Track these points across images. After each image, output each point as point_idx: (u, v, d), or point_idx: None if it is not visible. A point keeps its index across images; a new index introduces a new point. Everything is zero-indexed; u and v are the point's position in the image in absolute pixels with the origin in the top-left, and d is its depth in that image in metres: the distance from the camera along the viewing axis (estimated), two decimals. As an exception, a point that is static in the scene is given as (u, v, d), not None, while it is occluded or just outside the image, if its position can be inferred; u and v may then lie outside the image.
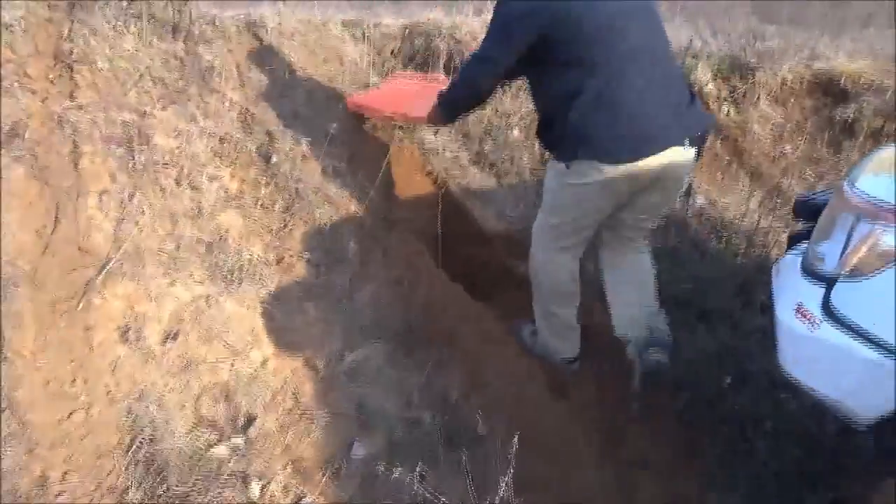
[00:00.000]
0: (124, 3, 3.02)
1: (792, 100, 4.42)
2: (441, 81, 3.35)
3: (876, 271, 1.51)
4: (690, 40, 4.68)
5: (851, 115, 4.21)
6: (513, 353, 2.63)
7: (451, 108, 2.65)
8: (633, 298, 2.70)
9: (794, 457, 2.48)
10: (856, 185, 1.68)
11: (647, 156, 2.18)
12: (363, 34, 4.29)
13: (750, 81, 4.37)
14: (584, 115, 2.18)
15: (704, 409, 2.68)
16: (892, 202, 1.50)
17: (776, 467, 2.43)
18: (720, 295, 3.30)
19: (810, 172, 4.14)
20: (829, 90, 4.38)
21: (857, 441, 2.57)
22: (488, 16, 3.95)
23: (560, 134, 2.27)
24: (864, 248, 1.55)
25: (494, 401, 2.34)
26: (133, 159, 2.48)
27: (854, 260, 1.57)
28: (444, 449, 2.05)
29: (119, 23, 2.94)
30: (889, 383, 1.45)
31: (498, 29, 2.30)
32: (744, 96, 4.37)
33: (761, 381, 2.77)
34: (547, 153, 2.61)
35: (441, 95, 2.63)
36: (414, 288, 2.64)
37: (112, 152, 2.48)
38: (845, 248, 1.62)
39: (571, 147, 2.23)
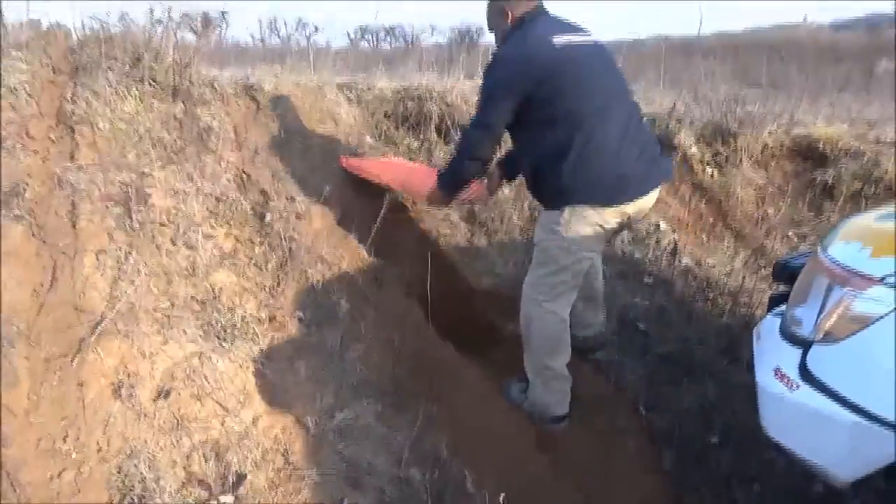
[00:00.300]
0: (126, 68, 3.13)
1: (773, 163, 4.58)
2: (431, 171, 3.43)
3: (848, 335, 1.56)
4: (674, 105, 4.86)
5: (831, 179, 4.36)
6: (501, 409, 2.65)
7: (453, 182, 2.79)
8: (591, 314, 3.07)
9: (782, 517, 2.49)
10: (828, 251, 1.75)
11: (635, 199, 2.49)
12: (357, 97, 4.43)
13: (732, 146, 4.53)
14: (577, 165, 2.40)
15: (691, 466, 2.70)
16: (861, 269, 1.57)
17: (763, 527, 2.44)
18: (707, 353, 3.35)
19: (793, 233, 4.26)
20: (809, 154, 4.55)
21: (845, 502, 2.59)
22: (479, 80, 4.11)
23: (555, 184, 2.46)
24: (836, 313, 1.61)
25: (483, 458, 2.36)
26: (130, 218, 2.53)
27: (828, 324, 1.63)
28: (432, 507, 2.06)
29: (121, 86, 3.03)
30: (865, 445, 1.49)
31: (489, 97, 2.50)
32: (727, 160, 4.53)
33: (747, 438, 2.79)
34: (538, 207, 2.75)
35: (441, 173, 2.82)
36: (404, 346, 2.68)
37: (110, 211, 2.53)
38: (820, 312, 1.68)
39: (569, 194, 2.44)
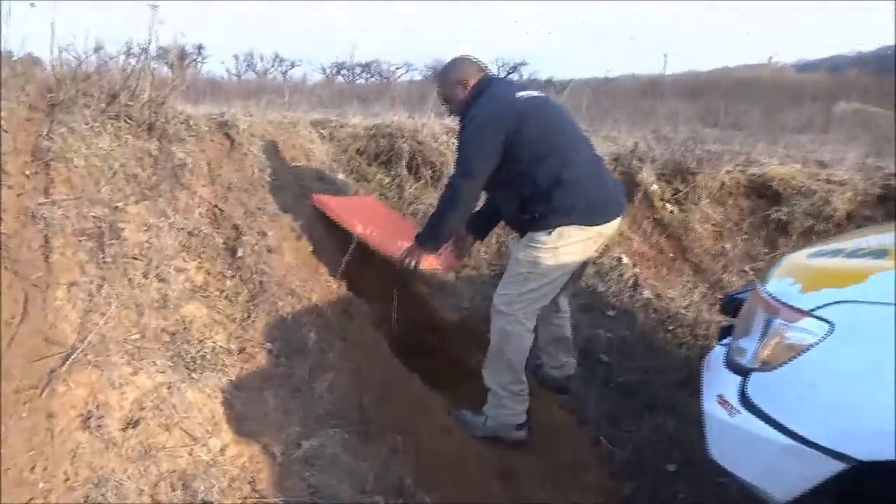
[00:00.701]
0: (103, 105, 3.21)
1: (730, 201, 4.78)
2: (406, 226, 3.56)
3: (782, 364, 1.68)
4: (636, 144, 5.05)
5: (784, 216, 4.55)
6: (465, 441, 2.73)
7: (436, 234, 2.96)
8: (563, 355, 3.25)
9: (736, 542, 2.57)
10: (766, 286, 1.88)
11: (612, 220, 2.86)
12: (330, 134, 4.55)
13: (691, 183, 4.72)
14: (569, 190, 2.73)
15: (650, 495, 2.78)
16: (793, 302, 1.70)
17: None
18: (666, 385, 3.46)
19: (749, 268, 4.43)
20: (764, 192, 4.75)
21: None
22: (449, 119, 4.24)
23: (547, 210, 2.74)
24: (772, 343, 1.73)
25: (446, 488, 2.42)
26: (103, 252, 2.59)
27: (764, 353, 1.75)
28: (395, 534, 2.11)
29: (96, 123, 3.10)
30: (796, 466, 1.59)
31: (473, 148, 2.78)
32: (686, 197, 4.71)
33: (705, 467, 2.88)
34: (506, 242, 3.04)
35: (424, 231, 2.99)
36: (371, 377, 2.75)
37: (83, 245, 2.59)
38: (759, 342, 1.80)
39: (562, 216, 2.73)
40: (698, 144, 4.96)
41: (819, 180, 4.64)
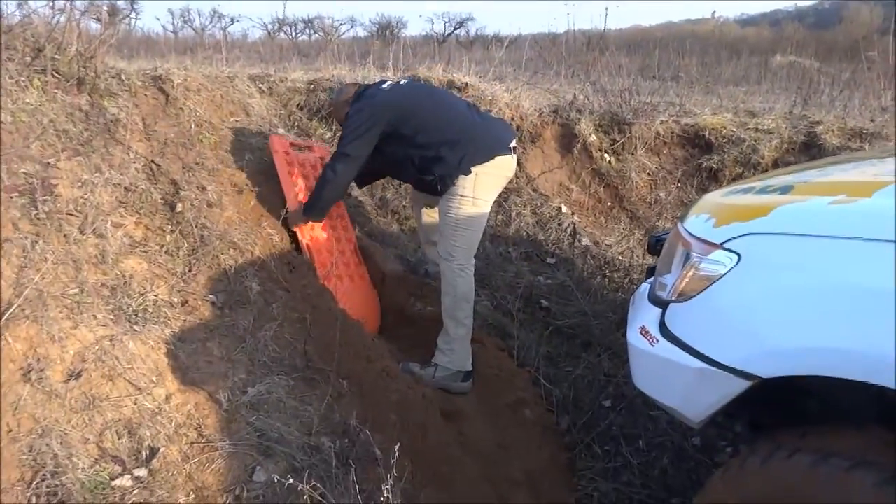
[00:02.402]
0: (28, 59, 3.11)
1: (665, 150, 4.92)
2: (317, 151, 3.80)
3: (696, 294, 1.80)
4: (575, 96, 5.13)
5: (716, 164, 4.72)
6: (408, 384, 2.81)
7: (320, 209, 3.30)
8: (434, 252, 3.52)
9: (662, 468, 2.76)
10: (684, 223, 1.99)
11: (505, 147, 3.16)
12: (270, 88, 4.50)
13: (628, 134, 4.83)
14: (461, 145, 3.06)
15: (585, 428, 2.94)
16: (707, 237, 1.81)
17: (645, 479, 2.70)
18: (603, 327, 3.61)
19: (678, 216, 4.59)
20: (697, 142, 4.90)
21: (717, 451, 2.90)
22: (391, 73, 4.26)
23: (450, 165, 3.06)
24: (687, 276, 1.84)
25: (390, 427, 2.52)
26: (36, 208, 2.55)
27: (681, 285, 1.86)
28: (340, 470, 2.20)
29: (22, 77, 3.01)
30: (708, 388, 1.72)
31: (354, 136, 3.09)
32: (623, 147, 4.83)
33: (636, 402, 3.07)
34: (439, 193, 3.15)
35: (308, 203, 3.29)
36: (315, 325, 2.80)
37: (14, 202, 2.54)
38: (678, 276, 1.92)
39: (466, 164, 3.05)
40: (635, 96, 5.06)
41: (748, 129, 4.81)
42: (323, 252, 3.32)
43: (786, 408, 1.88)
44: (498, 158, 3.11)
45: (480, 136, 3.13)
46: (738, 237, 1.71)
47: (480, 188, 3.09)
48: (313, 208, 3.28)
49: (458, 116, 3.17)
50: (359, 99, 3.22)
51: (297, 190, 3.44)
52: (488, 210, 3.21)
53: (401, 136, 3.12)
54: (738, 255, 1.69)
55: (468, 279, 3.13)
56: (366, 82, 3.53)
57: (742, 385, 1.65)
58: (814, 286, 1.52)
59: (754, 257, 1.66)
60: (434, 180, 3.12)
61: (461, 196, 3.07)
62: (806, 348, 1.52)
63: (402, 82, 3.38)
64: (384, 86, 3.26)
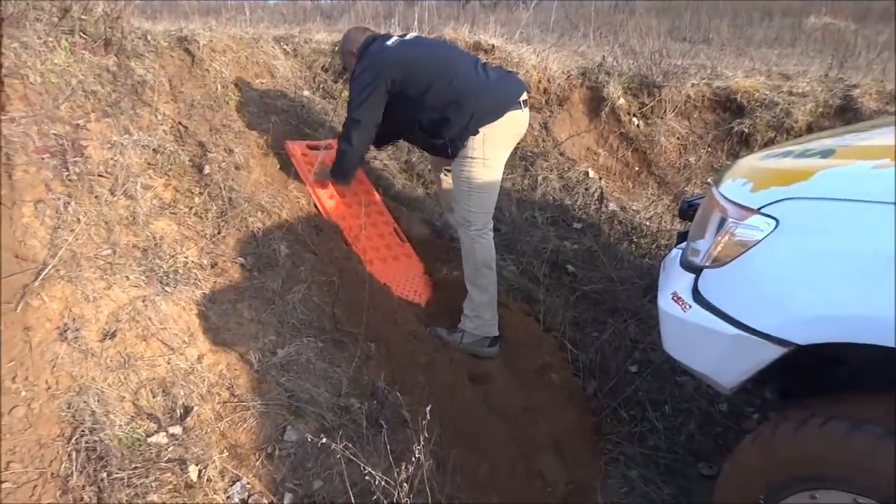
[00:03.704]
0: (55, 20, 3.10)
1: (695, 114, 4.82)
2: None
3: (732, 259, 1.77)
4: (603, 58, 5.03)
5: (747, 128, 4.62)
6: (435, 347, 2.83)
7: (345, 175, 3.29)
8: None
9: (689, 433, 2.76)
10: (719, 188, 1.95)
11: (515, 101, 3.04)
12: (294, 50, 4.46)
13: (657, 97, 4.74)
14: (469, 104, 2.96)
15: (611, 393, 2.94)
16: (743, 201, 1.77)
17: (672, 444, 2.70)
18: (630, 292, 3.58)
19: (711, 180, 4.51)
20: (728, 105, 4.80)
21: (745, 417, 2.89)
22: (415, 33, 4.22)
23: (460, 125, 2.97)
24: (723, 241, 1.81)
25: (418, 389, 2.54)
26: (67, 170, 2.57)
27: (716, 251, 1.83)
28: (369, 430, 2.23)
29: (50, 38, 3.01)
30: (742, 354, 1.71)
31: (360, 99, 3.04)
32: (652, 111, 4.74)
33: (663, 367, 3.06)
34: (451, 155, 3.09)
35: (333, 171, 3.27)
36: (343, 288, 2.81)
37: (46, 163, 2.56)
38: (712, 241, 1.88)
39: (474, 124, 2.96)
40: (665, 58, 4.95)
41: (782, 92, 4.68)
42: (347, 217, 3.30)
43: (816, 374, 1.86)
44: (507, 115, 3.01)
45: (489, 94, 3.03)
46: (776, 202, 1.68)
47: (490, 148, 3.01)
48: (336, 175, 3.26)
49: (465, 75, 3.06)
50: (363, 55, 3.13)
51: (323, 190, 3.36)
52: (501, 170, 3.14)
53: (407, 97, 3.05)
54: (777, 220, 1.66)
55: (487, 244, 3.09)
56: (373, 32, 3.38)
57: (777, 352, 1.63)
58: (855, 252, 1.49)
59: (794, 223, 1.62)
60: (444, 143, 3.05)
61: (471, 158, 3.00)
62: (846, 316, 1.49)
63: (408, 37, 3.27)
64: (389, 42, 3.15)
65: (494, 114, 2.99)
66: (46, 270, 2.22)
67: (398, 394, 2.39)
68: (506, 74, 3.30)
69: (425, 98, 3.02)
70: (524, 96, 3.11)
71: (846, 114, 4.52)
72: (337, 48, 4.19)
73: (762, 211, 1.70)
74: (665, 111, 4.72)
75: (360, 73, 3.06)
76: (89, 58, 3.10)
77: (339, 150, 3.19)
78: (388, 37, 3.23)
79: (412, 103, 3.05)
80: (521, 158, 4.43)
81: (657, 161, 4.64)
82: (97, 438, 1.92)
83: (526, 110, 3.13)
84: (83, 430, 1.93)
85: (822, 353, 1.58)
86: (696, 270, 1.91)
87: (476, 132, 2.97)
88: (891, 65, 5.77)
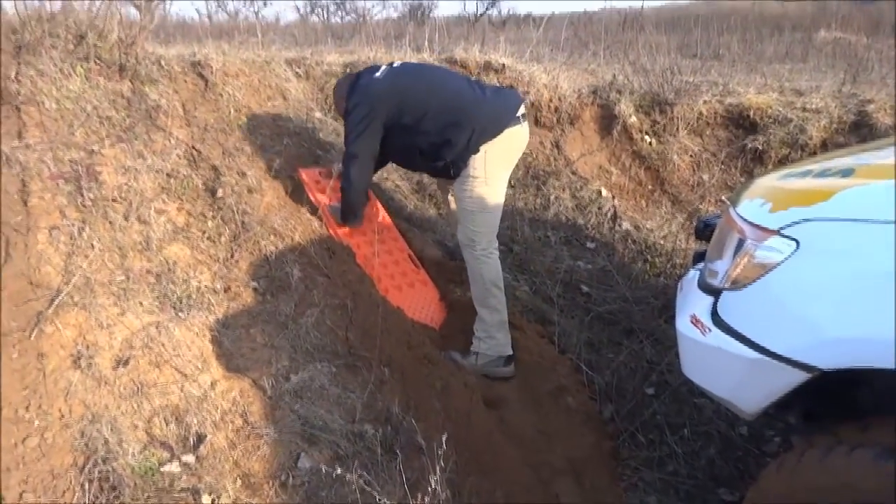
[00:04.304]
0: (71, 47, 3.13)
1: (708, 131, 4.80)
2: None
3: (752, 282, 1.74)
4: (614, 76, 5.02)
5: (761, 145, 4.59)
6: (450, 371, 2.80)
7: (353, 214, 3.23)
8: None
9: (709, 458, 2.71)
10: (737, 208, 1.92)
11: (513, 117, 3.01)
12: (306, 72, 4.48)
13: (669, 115, 4.72)
14: (466, 126, 2.94)
15: (628, 416, 2.89)
16: (762, 222, 1.74)
17: (691, 469, 2.65)
18: (645, 313, 3.54)
19: (725, 197, 4.47)
20: (741, 122, 4.77)
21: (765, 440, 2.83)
22: (427, 54, 4.21)
23: (459, 146, 2.95)
24: (742, 263, 1.78)
25: (433, 414, 2.51)
26: (82, 196, 2.58)
27: (735, 273, 1.80)
28: (384, 457, 2.20)
29: (65, 65, 3.04)
30: (764, 379, 1.67)
31: (355, 134, 3.01)
32: (664, 129, 4.72)
33: (681, 390, 3.01)
34: (452, 177, 3.09)
35: (342, 213, 3.22)
36: (356, 312, 2.80)
37: (61, 189, 2.58)
38: (731, 262, 1.85)
39: (474, 144, 2.94)
40: (676, 75, 4.93)
41: (795, 109, 4.65)
42: (361, 245, 3.27)
43: (843, 399, 1.82)
44: (507, 131, 2.98)
45: (485, 112, 2.98)
46: (796, 223, 1.65)
47: (491, 166, 2.98)
48: (346, 218, 3.23)
49: (459, 95, 3.03)
50: (353, 91, 3.10)
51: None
52: (504, 188, 3.11)
53: (403, 125, 3.01)
54: (797, 241, 1.63)
55: (493, 264, 3.06)
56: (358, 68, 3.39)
57: (800, 377, 1.60)
58: (879, 274, 1.46)
59: (815, 244, 1.59)
60: (446, 165, 3.02)
61: (473, 177, 2.97)
62: (870, 339, 1.46)
63: (395, 65, 3.23)
64: (377, 74, 3.11)
65: (494, 130, 2.97)
66: (60, 297, 2.22)
67: (413, 420, 2.36)
68: (501, 89, 3.28)
69: (422, 123, 2.99)
70: (522, 110, 3.08)
71: (861, 129, 4.49)
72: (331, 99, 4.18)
73: (782, 232, 1.67)
74: (677, 129, 4.70)
75: (353, 109, 3.03)
76: (104, 83, 3.12)
77: (342, 188, 3.16)
78: (376, 68, 3.19)
79: (409, 130, 3.03)
80: (532, 178, 4.42)
81: (670, 179, 4.61)
82: (110, 468, 1.90)
83: (525, 125, 3.11)
84: (96, 460, 1.92)
85: (848, 376, 1.55)
86: (715, 292, 1.88)
87: (477, 150, 2.95)
88: (905, 79, 5.74)
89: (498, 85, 3.44)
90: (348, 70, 4.65)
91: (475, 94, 3.05)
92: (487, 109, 3.00)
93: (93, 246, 2.44)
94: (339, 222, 3.24)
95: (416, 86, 3.10)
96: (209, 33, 6.56)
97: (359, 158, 3.05)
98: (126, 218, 2.63)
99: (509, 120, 3.00)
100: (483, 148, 2.95)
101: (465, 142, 2.94)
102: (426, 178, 4.23)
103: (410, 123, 3.01)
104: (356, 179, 3.09)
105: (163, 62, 3.52)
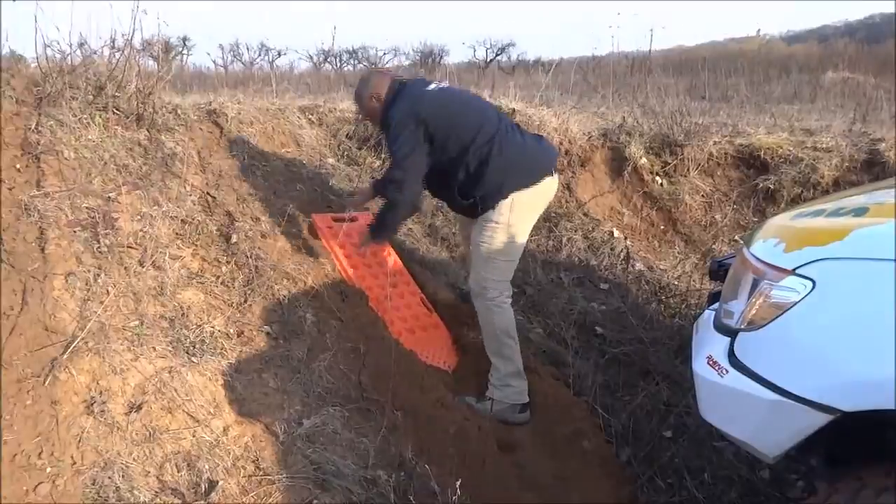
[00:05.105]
0: (90, 97, 3.22)
1: (719, 171, 4.81)
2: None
3: (768, 322, 1.72)
4: (624, 118, 5.07)
5: (772, 185, 4.59)
6: (464, 415, 2.76)
7: (392, 229, 3.17)
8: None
9: (730, 502, 2.64)
10: (751, 248, 1.91)
11: (546, 173, 2.97)
12: (319, 119, 4.56)
13: (680, 156, 4.74)
14: (501, 165, 2.86)
15: (646, 460, 2.83)
16: (777, 262, 1.73)
17: (714, 513, 2.58)
18: (660, 354, 3.50)
19: (738, 237, 4.45)
20: (752, 162, 4.78)
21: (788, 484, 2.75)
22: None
23: (489, 186, 2.88)
24: (757, 303, 1.76)
25: (447, 459, 2.47)
26: (98, 242, 2.62)
27: (751, 314, 1.78)
28: (398, 504, 2.16)
29: (84, 115, 3.12)
30: (784, 421, 1.64)
31: (403, 152, 2.86)
32: (675, 169, 4.74)
33: (699, 433, 2.95)
34: (473, 216, 3.03)
35: (377, 226, 3.09)
36: (369, 355, 2.78)
37: (77, 236, 2.61)
38: (746, 303, 1.84)
39: (504, 188, 2.87)
40: (685, 117, 4.97)
41: (806, 148, 4.67)
42: (374, 288, 3.28)
43: (867, 441, 1.78)
44: (541, 183, 2.93)
45: (526, 158, 2.92)
46: (812, 262, 1.64)
47: (517, 214, 2.91)
48: (382, 233, 3.11)
49: (504, 133, 2.92)
50: (401, 97, 2.93)
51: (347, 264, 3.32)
52: (525, 240, 3.02)
53: (442, 147, 2.88)
54: (813, 281, 1.61)
55: (506, 313, 2.97)
56: (395, 75, 3.18)
57: (822, 419, 1.57)
58: (896, 313, 1.44)
59: (831, 283, 1.58)
60: (474, 202, 2.93)
61: (496, 223, 2.89)
62: (889, 380, 1.43)
63: (444, 85, 3.13)
64: (430, 87, 2.98)
65: (529, 180, 2.90)
66: (75, 343, 2.23)
67: (426, 465, 2.32)
68: (541, 139, 3.18)
69: (466, 152, 2.87)
70: (555, 161, 3.06)
71: (873, 168, 4.48)
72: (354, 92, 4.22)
73: (797, 272, 1.66)
74: (688, 169, 4.72)
75: (403, 117, 2.86)
76: (121, 133, 3.19)
77: (390, 202, 3.01)
78: (426, 81, 3.07)
79: (450, 155, 2.89)
80: (545, 220, 4.43)
81: (682, 219, 4.61)
82: (121, 515, 1.88)
83: (556, 177, 3.06)
84: (107, 508, 1.90)
85: (872, 417, 1.51)
86: (731, 333, 1.86)
87: (506, 196, 2.87)
88: (915, 117, 5.76)
89: (537, 134, 3.28)
90: (360, 117, 4.72)
91: (517, 137, 2.97)
92: (527, 156, 2.94)
93: (108, 292, 2.46)
94: (370, 239, 3.13)
95: (466, 113, 2.98)
96: (225, 83, 6.72)
97: (411, 169, 2.88)
98: (141, 264, 2.66)
99: (546, 172, 2.96)
100: (513, 196, 2.88)
101: (499, 183, 2.86)
102: (439, 221, 4.25)
103: (453, 148, 2.88)
104: (408, 192, 2.93)
105: (179, 111, 3.61)
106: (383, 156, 4.48)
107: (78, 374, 2.17)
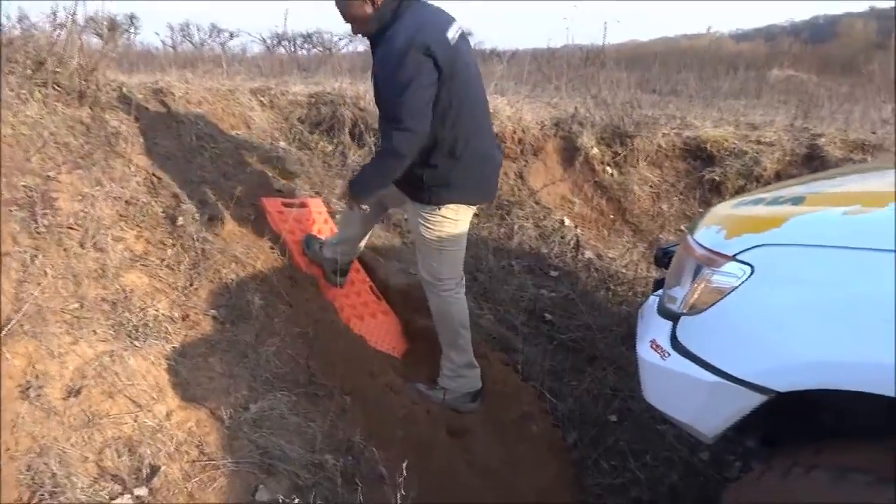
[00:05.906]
0: (29, 72, 3.09)
1: (667, 163, 4.91)
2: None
3: (709, 306, 1.77)
4: (576, 109, 5.12)
5: (718, 177, 4.70)
6: (413, 400, 2.77)
7: (381, 184, 2.68)
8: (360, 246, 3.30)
9: (671, 483, 2.71)
10: (694, 235, 1.96)
11: (486, 201, 3.07)
12: (271, 101, 4.48)
13: (630, 147, 4.82)
14: (461, 164, 2.64)
15: (592, 443, 2.89)
16: (718, 248, 1.78)
17: (654, 494, 2.65)
18: (608, 341, 3.57)
19: (684, 227, 4.55)
20: (699, 154, 4.89)
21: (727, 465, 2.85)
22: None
23: (438, 180, 2.66)
24: (699, 288, 1.81)
25: (395, 444, 2.47)
26: (36, 222, 2.52)
27: (692, 298, 1.83)
28: (345, 488, 2.15)
29: (23, 91, 2.99)
30: (723, 402, 1.69)
31: (411, 73, 2.37)
32: (625, 160, 4.82)
33: (643, 416, 3.03)
34: (407, 193, 2.77)
35: (359, 180, 2.72)
36: (318, 340, 2.76)
37: (14, 216, 2.51)
38: (689, 288, 1.88)
39: (452, 191, 2.69)
40: (636, 109, 5.05)
41: (750, 142, 4.79)
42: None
43: (800, 422, 1.85)
44: (475, 207, 2.90)
45: (484, 177, 2.82)
46: (750, 248, 1.69)
47: (463, 212, 2.80)
48: (366, 189, 2.71)
49: (486, 133, 2.78)
50: (402, 13, 2.41)
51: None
52: (465, 234, 2.91)
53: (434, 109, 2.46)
54: (752, 266, 1.66)
55: (461, 303, 2.92)
56: None
57: (757, 399, 1.62)
58: (829, 298, 1.50)
59: (768, 269, 1.63)
60: (416, 180, 2.63)
61: (443, 217, 2.73)
62: (822, 362, 1.49)
63: (465, 41, 2.65)
64: (452, 32, 2.50)
65: (479, 198, 2.91)
66: (10, 326, 2.15)
67: (374, 449, 2.33)
68: (498, 163, 2.98)
69: (443, 129, 2.52)
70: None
71: (813, 162, 4.63)
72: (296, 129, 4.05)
73: (737, 257, 1.71)
74: (637, 160, 4.80)
75: (405, 43, 2.34)
76: (62, 110, 3.07)
77: (384, 152, 2.56)
78: (440, 13, 2.58)
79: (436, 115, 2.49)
80: (497, 207, 4.45)
81: (631, 209, 4.69)
82: (57, 502, 1.83)
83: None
84: (42, 494, 1.84)
85: (805, 399, 1.57)
86: (674, 318, 1.91)
87: (457, 201, 2.72)
88: (853, 115, 5.97)
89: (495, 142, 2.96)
90: (313, 100, 4.66)
91: (491, 151, 2.84)
92: (486, 178, 2.85)
93: (45, 273, 2.37)
94: (354, 192, 2.74)
95: (470, 87, 2.60)
96: (173, 63, 6.53)
97: (415, 114, 2.39)
98: (82, 245, 2.57)
99: (485, 200, 3.09)
100: (463, 205, 2.76)
101: (460, 186, 2.67)
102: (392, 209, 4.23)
103: (435, 115, 2.46)
104: (406, 143, 2.44)
105: (124, 89, 3.50)
106: (335, 140, 4.44)
107: (13, 357, 2.09)
